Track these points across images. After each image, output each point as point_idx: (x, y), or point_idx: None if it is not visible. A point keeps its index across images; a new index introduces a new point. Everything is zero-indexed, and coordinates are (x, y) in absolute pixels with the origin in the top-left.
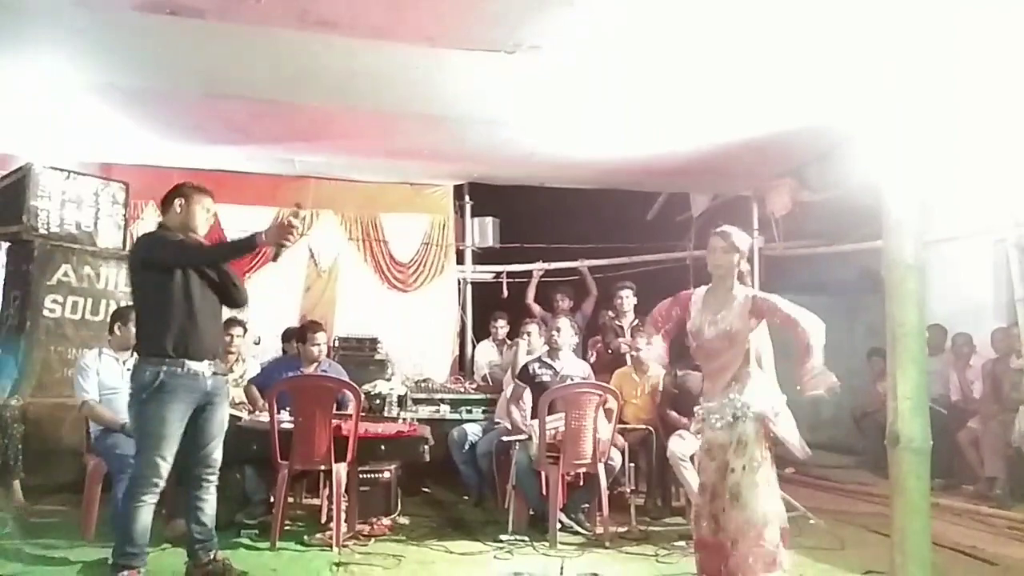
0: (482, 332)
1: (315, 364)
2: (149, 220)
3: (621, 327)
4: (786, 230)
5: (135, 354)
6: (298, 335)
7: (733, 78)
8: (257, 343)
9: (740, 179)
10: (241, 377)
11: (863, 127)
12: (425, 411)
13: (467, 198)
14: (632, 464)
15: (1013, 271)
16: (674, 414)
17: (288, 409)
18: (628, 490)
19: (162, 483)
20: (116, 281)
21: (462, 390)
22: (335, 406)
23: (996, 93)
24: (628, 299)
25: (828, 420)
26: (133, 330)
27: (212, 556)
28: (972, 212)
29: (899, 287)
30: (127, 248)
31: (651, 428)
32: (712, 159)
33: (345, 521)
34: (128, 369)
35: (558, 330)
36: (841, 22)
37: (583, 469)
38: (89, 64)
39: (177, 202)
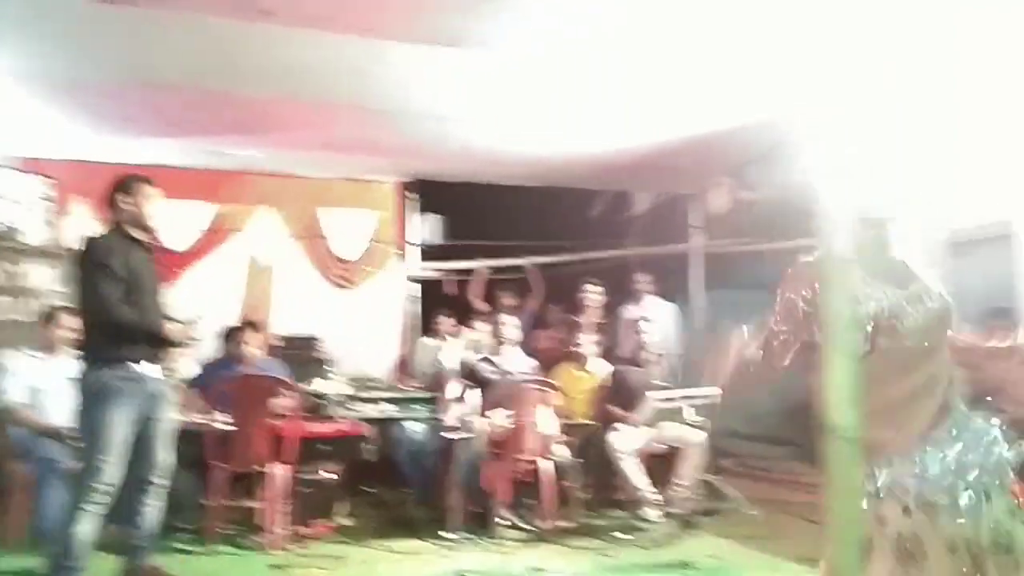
0: (427, 330)
1: (252, 364)
2: (80, 216)
3: (579, 324)
4: (725, 228)
5: (79, 358)
6: (235, 335)
7: (675, 77)
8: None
9: (682, 178)
10: (176, 378)
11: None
12: (368, 410)
13: (412, 194)
14: (576, 459)
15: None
16: (616, 409)
17: (224, 409)
18: (572, 484)
19: (109, 491)
20: (45, 280)
21: (406, 388)
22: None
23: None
24: (593, 295)
25: (764, 412)
26: (64, 331)
27: (148, 563)
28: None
29: (831, 279)
30: (58, 245)
31: (594, 423)
32: (654, 158)
33: (285, 523)
34: (56, 370)
35: (503, 327)
36: (781, 21)
37: (527, 465)
38: (12, 52)
39: (122, 196)
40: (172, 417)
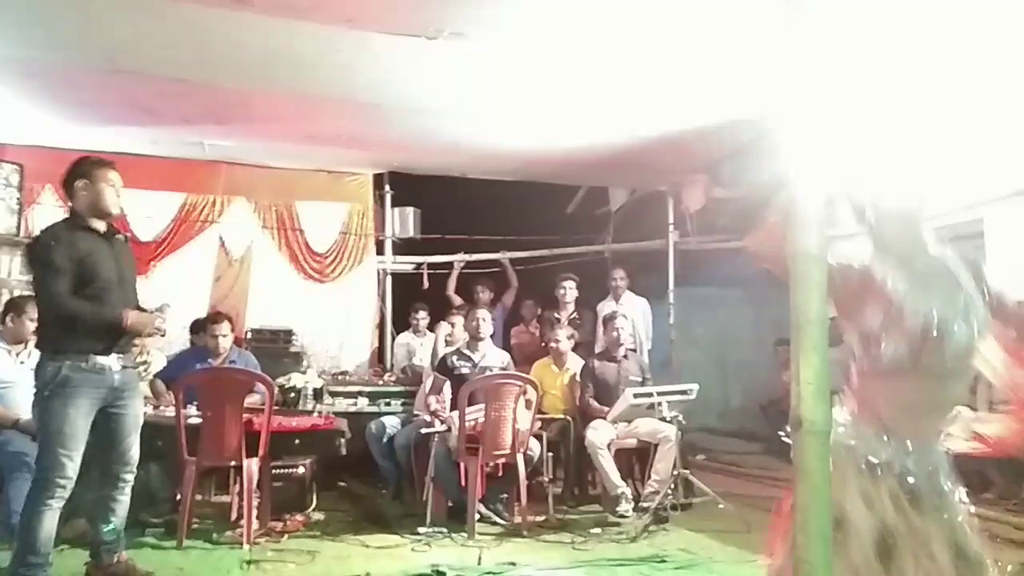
0: (402, 324)
1: (223, 356)
2: (46, 204)
3: (558, 319)
4: (699, 225)
5: (36, 348)
6: (206, 327)
7: (652, 73)
8: (162, 335)
9: (657, 174)
10: (145, 371)
11: (773, 123)
12: (342, 404)
13: (387, 187)
14: (550, 454)
15: None
16: (594, 403)
17: (196, 403)
18: (546, 479)
19: (70, 485)
20: (9, 269)
21: (380, 383)
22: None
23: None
24: (570, 291)
25: (737, 409)
26: (28, 322)
27: (116, 558)
28: None
29: (803, 277)
30: (22, 233)
31: (569, 418)
32: (630, 154)
33: (257, 518)
34: (22, 362)
35: (478, 321)
36: (758, 18)
37: (502, 460)
38: None
39: (79, 183)
40: (138, 409)
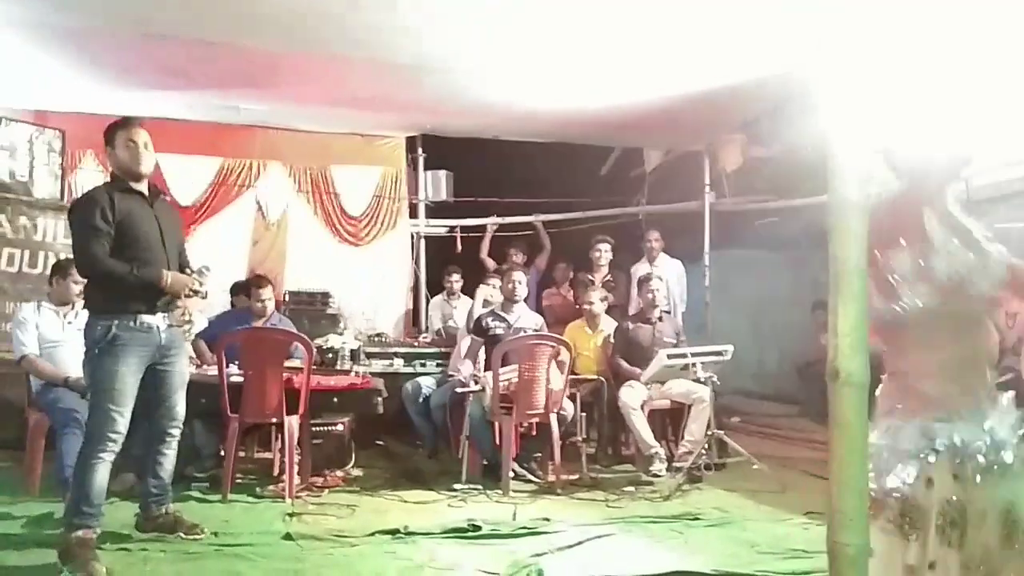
0: (435, 286)
1: (264, 318)
2: (88, 170)
3: (592, 281)
4: (736, 185)
5: (85, 309)
6: (245, 289)
7: (687, 31)
8: (204, 297)
9: (692, 134)
10: (188, 332)
11: (812, 78)
12: (378, 365)
13: (420, 151)
14: (584, 414)
15: None
16: (625, 365)
17: (237, 363)
18: (580, 439)
19: (120, 439)
20: (54, 233)
21: (416, 344)
22: (286, 359)
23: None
24: (605, 253)
25: (773, 371)
26: (73, 284)
27: (164, 510)
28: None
29: (842, 226)
30: (65, 198)
31: (603, 379)
32: (664, 113)
33: (298, 473)
34: (69, 322)
35: (512, 283)
36: None
37: (536, 419)
38: (16, 1)
39: (112, 147)
40: (184, 367)
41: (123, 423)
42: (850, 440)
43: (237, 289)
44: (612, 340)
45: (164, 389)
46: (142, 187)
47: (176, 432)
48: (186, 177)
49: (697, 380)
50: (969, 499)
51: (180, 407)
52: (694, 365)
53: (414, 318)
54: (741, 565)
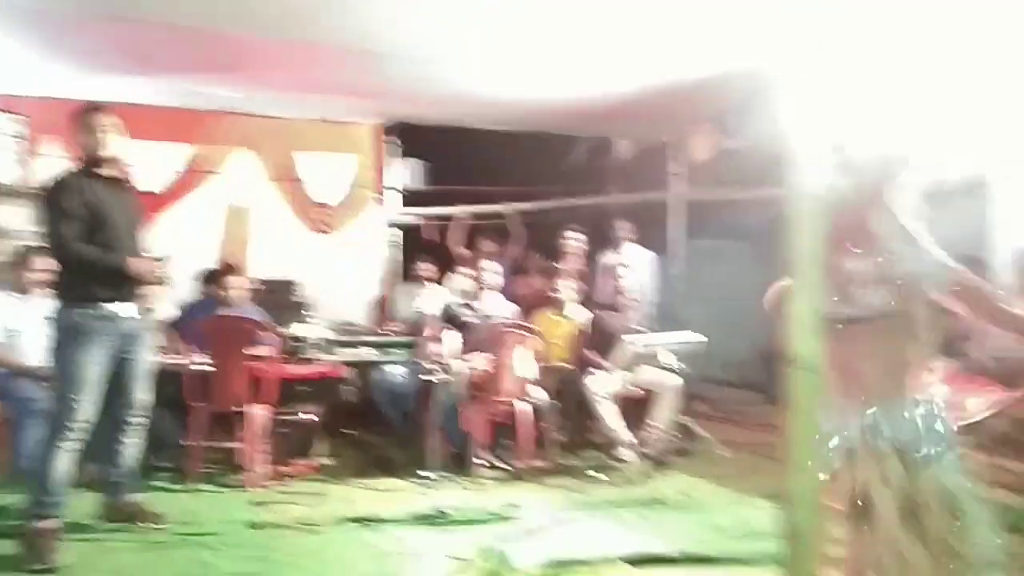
0: (407, 275)
1: (230, 307)
2: (52, 156)
3: (563, 270)
4: (705, 176)
5: (53, 296)
6: (215, 277)
7: (657, 22)
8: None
9: (663, 125)
10: (154, 321)
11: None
12: (348, 353)
13: (392, 139)
14: (553, 402)
15: None
16: (592, 353)
17: (203, 351)
18: (549, 427)
19: (85, 428)
20: (18, 220)
21: (386, 333)
22: (253, 347)
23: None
24: (575, 242)
25: (740, 360)
26: (34, 272)
27: (127, 499)
28: None
29: (798, 217)
30: (30, 184)
31: (572, 367)
32: (635, 104)
33: (265, 463)
34: (35, 311)
35: (483, 272)
36: None
37: (505, 407)
38: None
39: (80, 132)
40: (148, 356)
41: (88, 413)
42: (803, 422)
43: (206, 277)
44: (581, 328)
45: (127, 378)
46: (109, 172)
47: (138, 421)
48: (153, 164)
49: (664, 368)
50: (913, 487)
51: (143, 396)
52: (661, 353)
53: (385, 307)
54: (704, 547)
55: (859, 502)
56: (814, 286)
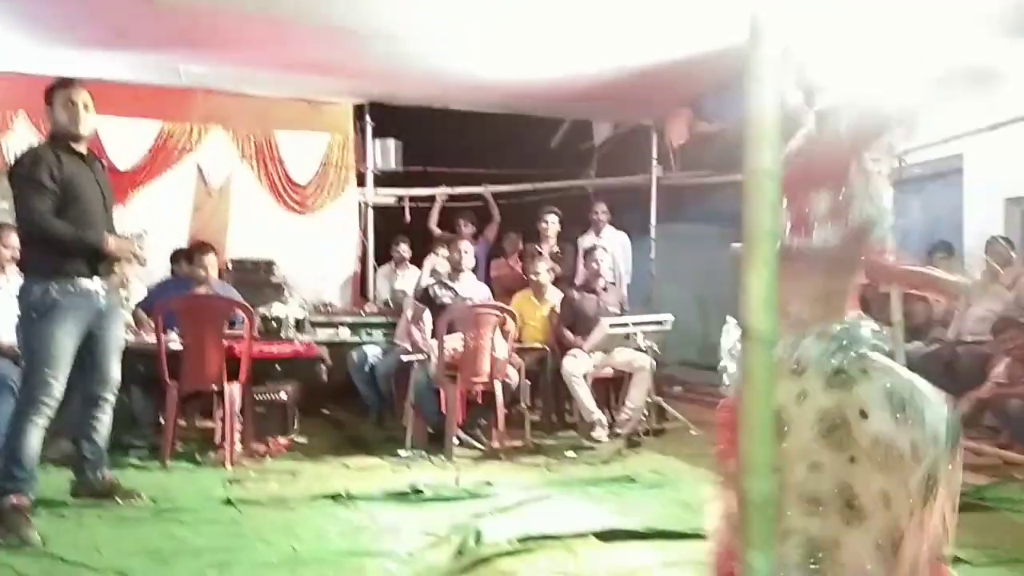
0: (384, 256)
1: (205, 286)
2: (19, 131)
3: (540, 252)
4: (683, 160)
5: (21, 271)
6: (187, 256)
7: (634, 3)
8: (143, 265)
9: (641, 108)
10: (126, 300)
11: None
12: (324, 334)
13: (368, 119)
14: (529, 382)
15: None
16: (569, 334)
17: (176, 329)
18: (525, 407)
19: (54, 404)
20: None
21: (363, 313)
22: (227, 326)
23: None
24: (552, 224)
25: (717, 343)
26: (5, 248)
27: (100, 475)
28: None
29: (756, 192)
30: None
31: (548, 348)
32: (614, 86)
33: (240, 441)
34: (4, 288)
35: (459, 253)
36: None
37: (481, 387)
38: None
39: (51, 107)
40: (119, 333)
41: (58, 388)
42: (759, 395)
43: (178, 256)
44: (558, 310)
45: (99, 355)
46: (81, 148)
47: (110, 397)
48: (124, 141)
49: (638, 349)
50: (836, 404)
51: (115, 372)
52: (635, 334)
53: (362, 288)
54: (673, 523)
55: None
56: (770, 261)
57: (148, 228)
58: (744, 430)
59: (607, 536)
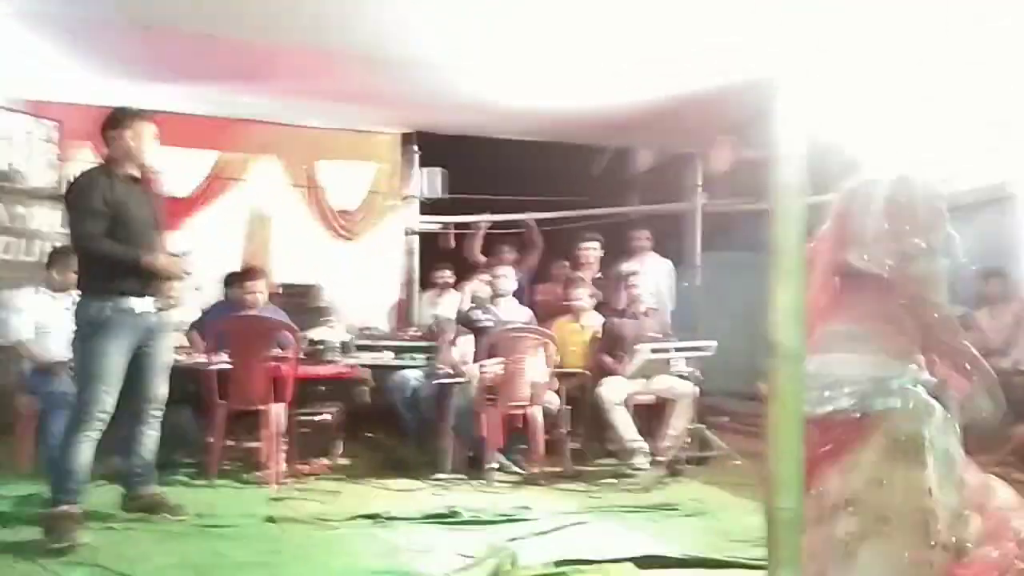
0: (428, 282)
1: (255, 309)
2: (83, 162)
3: (581, 278)
4: (727, 187)
5: (76, 290)
6: (239, 280)
7: (677, 31)
8: (197, 289)
9: (684, 135)
10: (180, 322)
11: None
12: (367, 357)
13: (415, 147)
14: (569, 408)
15: None
16: (608, 359)
17: (226, 350)
18: (565, 432)
19: (106, 419)
20: (50, 222)
21: (406, 337)
22: (274, 347)
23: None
24: (594, 251)
25: (759, 372)
26: (72, 273)
27: (148, 490)
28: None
29: (781, 207)
30: (62, 188)
31: (588, 372)
32: (657, 114)
33: (284, 461)
34: (66, 309)
35: (500, 277)
36: None
37: (520, 411)
38: None
39: (121, 131)
40: (167, 350)
41: (110, 403)
42: (786, 409)
43: (231, 280)
44: (596, 335)
45: (148, 371)
46: (134, 171)
47: (158, 413)
48: (181, 169)
49: (680, 375)
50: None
51: (162, 389)
52: (676, 360)
53: (406, 313)
54: (712, 551)
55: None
56: (795, 275)
57: (203, 253)
58: (772, 448)
59: (645, 563)
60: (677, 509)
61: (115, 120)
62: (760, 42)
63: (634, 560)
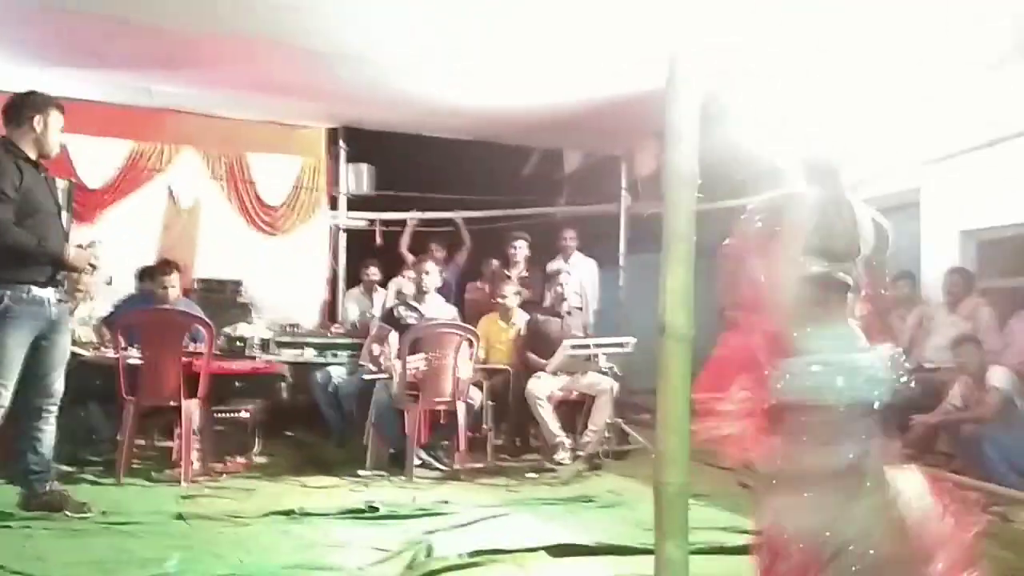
0: (354, 279)
1: (168, 304)
2: None
3: (508, 276)
4: (651, 190)
5: None
6: (151, 274)
7: (605, 35)
8: (109, 283)
9: (611, 138)
10: (90, 316)
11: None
12: (289, 354)
13: (341, 142)
14: (493, 404)
15: None
16: (533, 356)
17: (137, 345)
18: (488, 428)
19: (2, 412)
20: None
21: (329, 335)
22: (188, 343)
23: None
24: (521, 249)
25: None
26: None
27: (48, 487)
28: None
29: (674, 197)
30: None
31: (511, 369)
32: (583, 117)
33: (197, 459)
34: None
35: (425, 274)
36: None
37: (442, 407)
38: None
39: (28, 115)
40: (67, 344)
41: (6, 396)
42: (674, 387)
43: (143, 274)
44: (521, 332)
45: (45, 365)
46: (40, 158)
47: (53, 409)
48: (95, 159)
49: (600, 371)
50: None
51: (59, 384)
52: (596, 356)
53: (331, 310)
54: (626, 540)
55: None
56: (685, 261)
57: (117, 246)
58: (660, 424)
59: (558, 551)
60: (594, 501)
61: (21, 105)
62: (689, 46)
63: (547, 549)
